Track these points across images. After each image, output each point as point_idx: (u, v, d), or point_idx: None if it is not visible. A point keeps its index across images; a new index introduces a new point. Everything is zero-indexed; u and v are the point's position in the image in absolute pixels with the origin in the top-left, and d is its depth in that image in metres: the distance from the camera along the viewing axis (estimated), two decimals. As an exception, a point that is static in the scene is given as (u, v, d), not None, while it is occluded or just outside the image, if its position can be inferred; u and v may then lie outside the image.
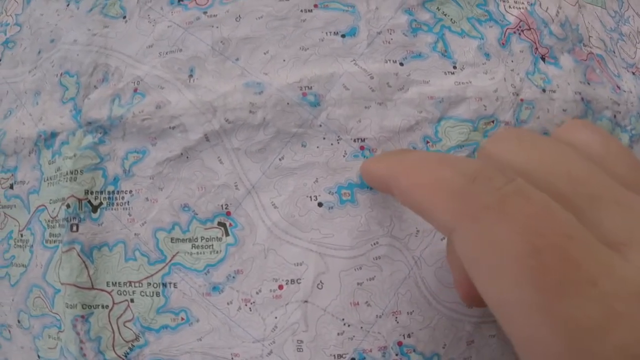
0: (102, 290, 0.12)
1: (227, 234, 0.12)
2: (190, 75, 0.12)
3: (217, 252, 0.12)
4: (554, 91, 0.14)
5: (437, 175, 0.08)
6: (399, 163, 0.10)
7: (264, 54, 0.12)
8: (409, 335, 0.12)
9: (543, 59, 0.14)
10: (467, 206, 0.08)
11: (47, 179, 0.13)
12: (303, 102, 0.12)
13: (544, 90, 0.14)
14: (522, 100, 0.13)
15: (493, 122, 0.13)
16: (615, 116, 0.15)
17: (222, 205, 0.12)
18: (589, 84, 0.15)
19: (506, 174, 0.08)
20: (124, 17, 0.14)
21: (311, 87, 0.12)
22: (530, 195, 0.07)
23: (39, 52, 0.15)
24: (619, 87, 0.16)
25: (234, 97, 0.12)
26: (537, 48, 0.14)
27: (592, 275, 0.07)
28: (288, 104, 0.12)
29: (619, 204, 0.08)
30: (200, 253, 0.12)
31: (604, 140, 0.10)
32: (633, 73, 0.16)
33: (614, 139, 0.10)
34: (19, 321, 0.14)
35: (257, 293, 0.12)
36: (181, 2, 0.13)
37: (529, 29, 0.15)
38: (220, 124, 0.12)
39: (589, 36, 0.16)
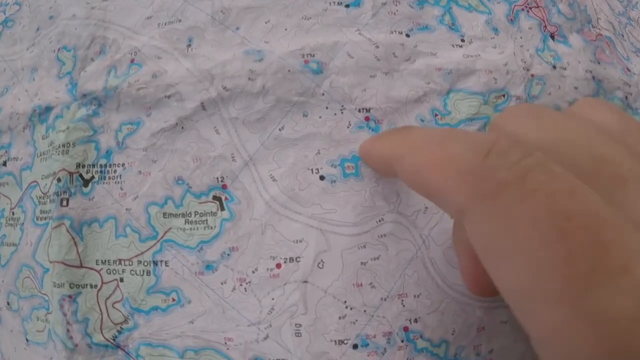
0: (91, 268, 0.11)
1: (222, 209, 0.11)
2: (189, 45, 0.11)
3: (211, 227, 0.11)
4: (565, 68, 0.13)
5: (445, 152, 0.07)
6: (403, 141, 0.08)
7: (265, 23, 0.11)
8: (415, 320, 0.10)
9: (552, 37, 0.13)
10: (482, 184, 0.07)
11: (40, 154, 0.12)
12: (305, 70, 0.11)
13: (554, 67, 0.13)
14: (532, 75, 0.12)
15: (504, 96, 0.12)
16: (626, 97, 0.14)
17: (217, 178, 0.11)
18: (599, 63, 0.14)
19: (525, 146, 0.07)
20: (124, -9, 0.13)
21: (314, 54, 0.11)
22: (552, 170, 0.06)
23: (38, 29, 0.14)
24: (629, 70, 0.14)
25: (233, 64, 0.11)
26: (545, 26, 0.13)
27: (624, 262, 0.06)
28: (289, 71, 0.11)
29: None
30: (194, 229, 0.11)
31: (622, 118, 0.08)
32: (643, 56, 0.15)
33: (632, 118, 0.09)
34: (8, 303, 0.13)
35: (253, 272, 0.10)
36: (181, -25, 0.12)
37: (537, 7, 0.13)
38: (217, 91, 0.11)
39: (598, 18, 0.15)
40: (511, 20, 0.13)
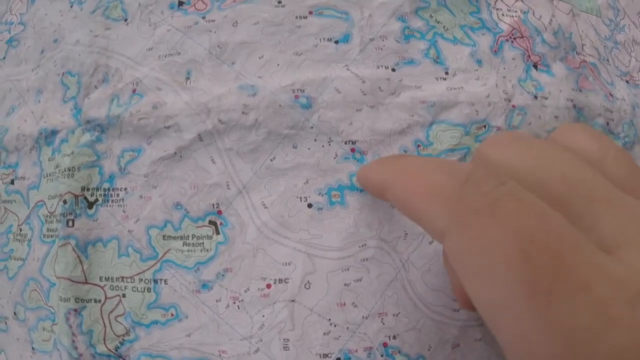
0: (95, 284, 0.12)
1: (217, 233, 0.12)
2: (187, 78, 0.13)
3: (207, 250, 0.12)
4: (546, 98, 0.14)
5: (431, 182, 0.08)
6: (395, 169, 0.10)
7: (259, 58, 0.13)
8: (394, 337, 0.12)
9: (535, 66, 0.14)
10: (458, 211, 0.08)
11: (47, 176, 0.14)
12: (295, 104, 0.12)
13: (535, 97, 0.14)
14: (514, 106, 0.13)
15: (485, 126, 0.13)
16: (608, 123, 0.15)
17: (213, 204, 0.12)
18: (581, 91, 0.15)
19: (498, 176, 0.08)
20: (126, 20, 0.14)
21: (304, 90, 0.12)
22: (521, 198, 0.07)
23: (42, 52, 0.15)
24: (611, 95, 0.16)
25: (228, 99, 0.12)
26: (529, 56, 0.14)
27: (585, 280, 0.07)
28: (280, 105, 0.12)
29: (615, 206, 0.08)
30: (191, 251, 0.12)
31: (601, 143, 0.09)
32: (627, 81, 0.16)
33: (612, 142, 0.09)
34: (15, 313, 0.14)
35: (245, 291, 0.12)
36: (181, 7, 0.14)
37: (522, 37, 0.15)
38: (213, 124, 0.12)
39: (582, 44, 0.16)
40: (495, 51, 0.14)
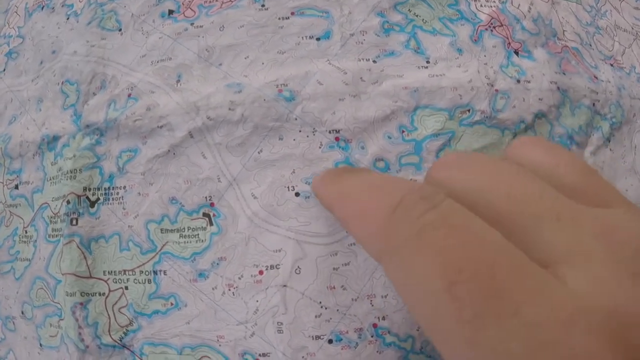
0: (99, 279, 0.14)
1: (211, 224, 0.14)
2: (178, 80, 0.15)
3: (202, 240, 0.14)
4: (529, 81, 0.15)
5: (362, 207, 0.09)
6: (336, 190, 0.10)
7: (245, 58, 0.14)
8: (383, 318, 0.13)
9: (516, 52, 0.16)
10: (387, 239, 0.08)
11: (50, 179, 0.16)
12: (279, 98, 0.14)
13: (518, 81, 0.15)
14: (496, 90, 0.15)
15: (469, 110, 0.14)
16: (594, 104, 0.17)
17: (206, 197, 0.14)
18: (564, 74, 0.16)
19: (432, 198, 0.08)
20: (120, 30, 0.16)
21: (287, 84, 0.14)
22: (452, 222, 0.08)
23: (41, 62, 0.17)
24: (596, 77, 0.17)
25: (216, 97, 0.14)
26: (509, 43, 0.16)
27: (514, 304, 0.07)
28: (265, 100, 0.14)
29: (560, 220, 0.08)
30: (187, 242, 0.14)
31: (552, 154, 0.10)
32: (611, 65, 0.18)
33: (564, 151, 0.10)
34: (22, 312, 0.16)
35: (239, 278, 0.13)
36: (171, 15, 0.16)
37: (501, 25, 0.16)
38: (202, 121, 0.14)
39: (563, 30, 0.17)
40: (475, 40, 0.16)
